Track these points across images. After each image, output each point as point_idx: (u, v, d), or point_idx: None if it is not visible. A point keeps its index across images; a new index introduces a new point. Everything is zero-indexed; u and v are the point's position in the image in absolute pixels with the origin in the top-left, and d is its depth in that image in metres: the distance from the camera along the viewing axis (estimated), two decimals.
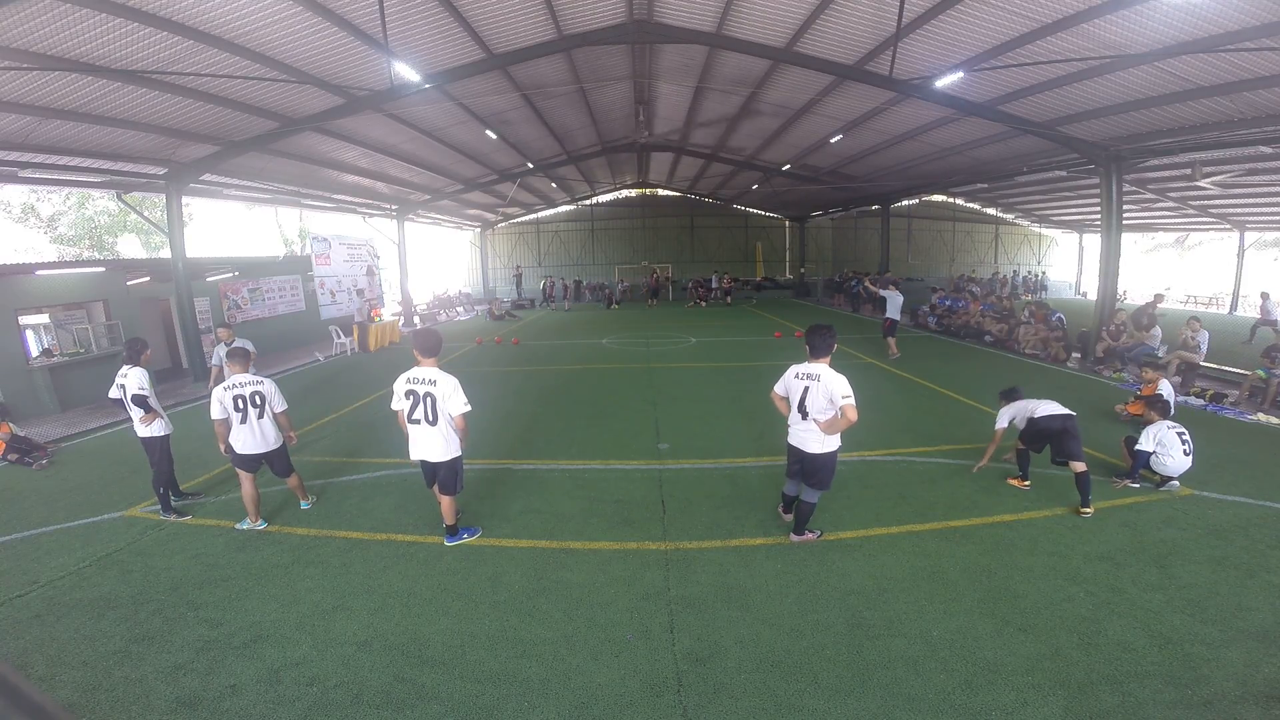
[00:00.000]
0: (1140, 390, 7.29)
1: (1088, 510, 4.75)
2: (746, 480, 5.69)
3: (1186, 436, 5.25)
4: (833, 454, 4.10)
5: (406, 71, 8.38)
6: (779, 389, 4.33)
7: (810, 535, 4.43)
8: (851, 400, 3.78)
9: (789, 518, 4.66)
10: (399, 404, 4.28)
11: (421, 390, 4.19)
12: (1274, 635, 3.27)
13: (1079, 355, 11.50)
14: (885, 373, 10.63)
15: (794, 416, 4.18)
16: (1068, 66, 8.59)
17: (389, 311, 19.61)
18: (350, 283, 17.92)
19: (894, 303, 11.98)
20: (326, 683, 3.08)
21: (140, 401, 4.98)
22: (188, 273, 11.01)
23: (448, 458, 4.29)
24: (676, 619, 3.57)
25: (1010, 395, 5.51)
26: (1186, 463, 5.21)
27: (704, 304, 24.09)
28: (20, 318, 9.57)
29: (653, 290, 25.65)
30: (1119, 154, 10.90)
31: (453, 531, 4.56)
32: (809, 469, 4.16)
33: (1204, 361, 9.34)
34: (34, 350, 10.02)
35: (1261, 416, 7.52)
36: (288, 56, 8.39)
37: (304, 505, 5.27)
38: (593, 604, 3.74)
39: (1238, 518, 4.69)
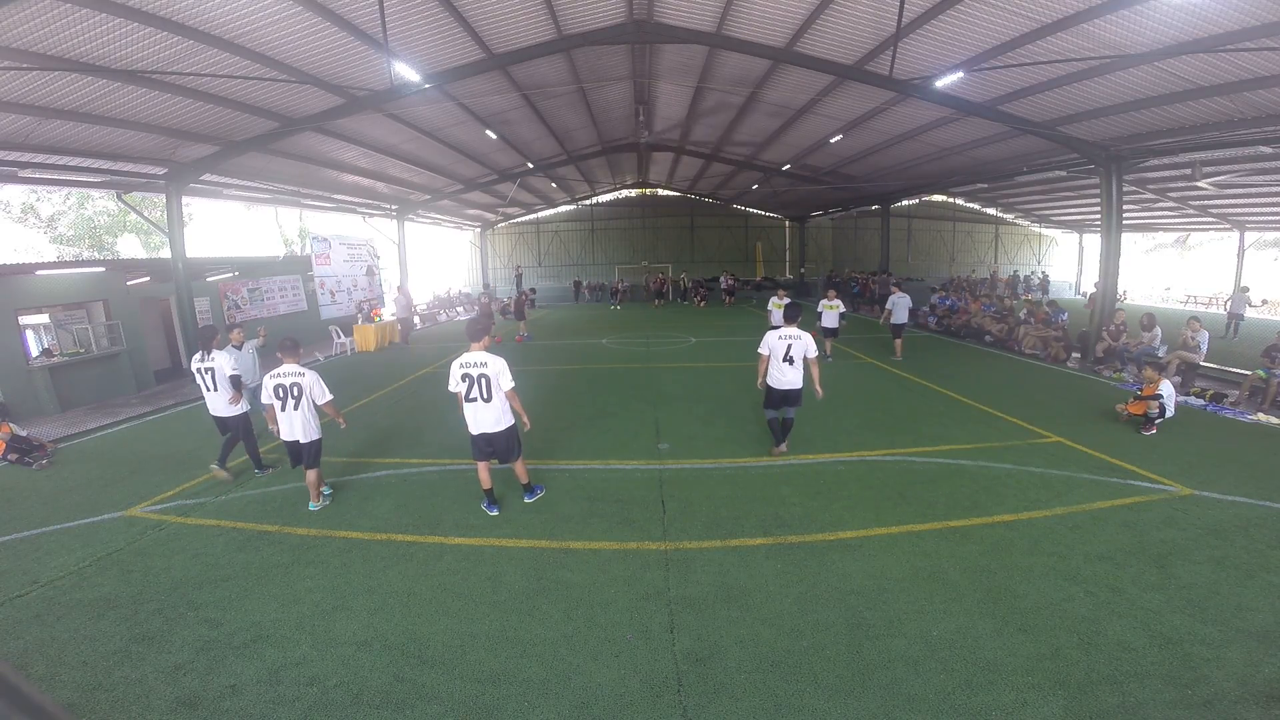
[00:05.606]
0: (1140, 390, 7.29)
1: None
2: (746, 480, 5.69)
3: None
4: (802, 387, 5.93)
5: (406, 71, 8.39)
6: (763, 349, 5.85)
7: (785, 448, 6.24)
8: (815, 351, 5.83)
9: (781, 448, 6.26)
10: (456, 386, 4.78)
11: (475, 373, 4.69)
12: (1274, 635, 3.27)
13: (1079, 355, 11.51)
14: (885, 373, 10.64)
15: (779, 365, 5.80)
16: (1068, 66, 8.59)
17: (388, 311, 19.61)
18: (350, 282, 17.96)
19: (901, 305, 11.92)
20: (326, 683, 3.09)
21: (235, 383, 5.82)
22: (188, 273, 11.01)
23: (503, 428, 4.83)
24: (676, 619, 3.57)
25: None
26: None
27: (704, 304, 24.13)
28: (20, 318, 9.56)
29: (657, 291, 25.66)
30: (1119, 154, 10.90)
31: (529, 489, 5.25)
32: (792, 399, 5.96)
33: (1204, 361, 9.35)
34: (34, 350, 10.00)
35: (1261, 416, 7.52)
36: (288, 56, 8.38)
37: (312, 506, 5.18)
38: (593, 604, 3.74)
39: (1238, 518, 4.69)
